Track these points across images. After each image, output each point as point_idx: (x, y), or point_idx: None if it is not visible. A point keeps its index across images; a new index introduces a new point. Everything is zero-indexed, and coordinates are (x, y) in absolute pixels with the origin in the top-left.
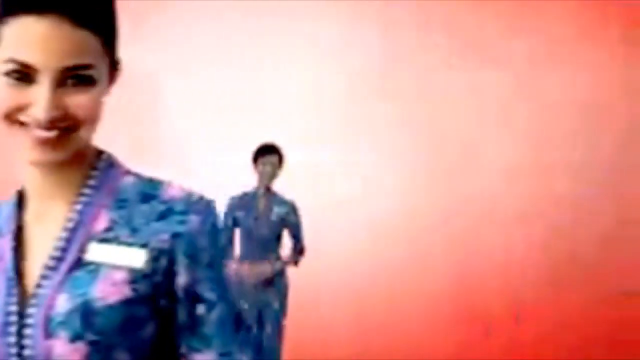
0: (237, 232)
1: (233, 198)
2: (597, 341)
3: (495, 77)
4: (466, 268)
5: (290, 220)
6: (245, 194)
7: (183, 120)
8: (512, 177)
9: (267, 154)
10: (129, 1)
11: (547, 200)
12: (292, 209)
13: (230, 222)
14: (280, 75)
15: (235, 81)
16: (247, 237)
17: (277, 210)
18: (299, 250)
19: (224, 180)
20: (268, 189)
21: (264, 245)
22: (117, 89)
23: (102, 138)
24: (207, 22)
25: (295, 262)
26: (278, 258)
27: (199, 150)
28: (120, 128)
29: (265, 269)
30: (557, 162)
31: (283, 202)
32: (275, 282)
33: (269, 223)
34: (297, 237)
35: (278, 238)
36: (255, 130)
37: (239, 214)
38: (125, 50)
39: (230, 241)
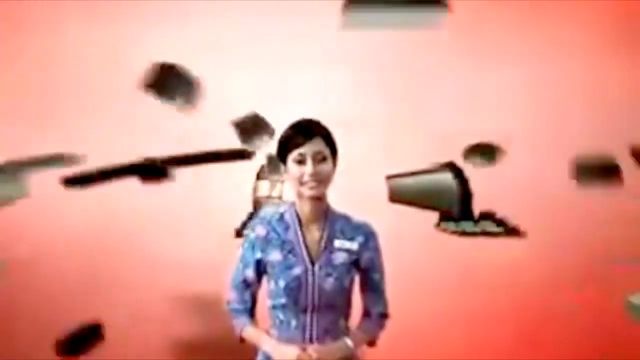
0: (268, 286)
1: (257, 224)
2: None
3: (498, 77)
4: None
5: (365, 260)
6: (282, 216)
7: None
8: (527, 177)
9: (307, 140)
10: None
11: (567, 199)
12: (368, 237)
13: (251, 273)
14: (284, 75)
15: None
16: (287, 295)
17: (343, 244)
18: (379, 314)
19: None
20: (321, 205)
21: (319, 311)
22: None
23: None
24: (208, 20)
25: (372, 341)
26: (345, 332)
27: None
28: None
29: (326, 354)
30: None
31: (351, 227)
32: None
33: (328, 267)
34: (375, 290)
35: (346, 295)
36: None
37: (270, 254)
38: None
39: (253, 305)
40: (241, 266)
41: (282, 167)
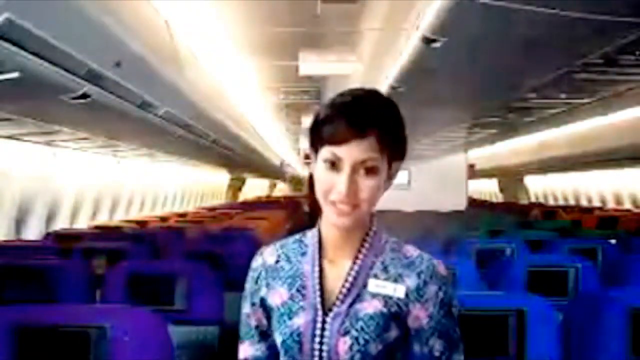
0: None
1: (267, 248)
2: None
3: None
4: None
5: (415, 317)
6: (303, 236)
7: None
8: None
9: (351, 137)
10: None
11: None
12: (426, 279)
13: (262, 315)
14: None
15: None
16: (285, 356)
17: (381, 287)
18: None
19: None
20: (357, 225)
21: None
22: None
23: None
24: None
25: None
26: None
27: None
28: None
29: None
30: None
31: (401, 262)
32: None
33: (348, 320)
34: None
35: None
36: None
37: (273, 293)
38: None
39: None
40: (247, 307)
41: (312, 154)
